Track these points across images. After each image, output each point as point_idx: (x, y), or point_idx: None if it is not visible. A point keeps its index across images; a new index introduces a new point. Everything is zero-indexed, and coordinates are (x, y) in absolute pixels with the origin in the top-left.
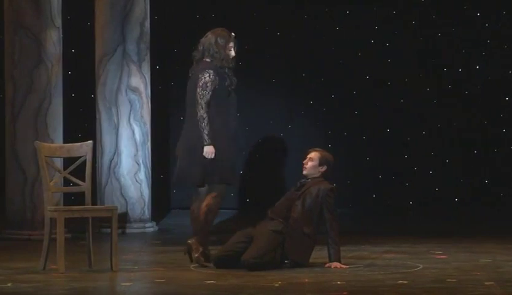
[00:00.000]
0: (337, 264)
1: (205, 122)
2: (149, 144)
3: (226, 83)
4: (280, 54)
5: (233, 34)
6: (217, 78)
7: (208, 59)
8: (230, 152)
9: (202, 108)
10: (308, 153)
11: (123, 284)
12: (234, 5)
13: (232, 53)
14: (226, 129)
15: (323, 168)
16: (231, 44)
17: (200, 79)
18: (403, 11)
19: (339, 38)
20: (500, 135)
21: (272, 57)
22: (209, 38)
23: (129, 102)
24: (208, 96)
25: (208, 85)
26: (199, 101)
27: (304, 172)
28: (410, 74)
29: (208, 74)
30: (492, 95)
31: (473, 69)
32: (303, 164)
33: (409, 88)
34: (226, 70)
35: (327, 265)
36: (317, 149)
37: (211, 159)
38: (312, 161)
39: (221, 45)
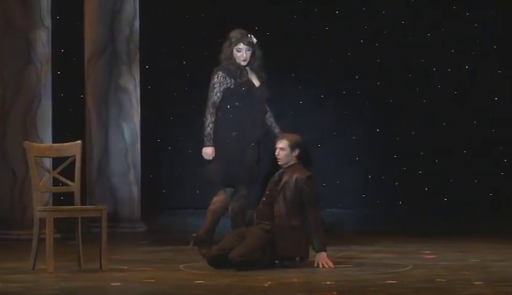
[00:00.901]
0: (324, 261)
1: (207, 123)
2: (139, 144)
3: (238, 81)
4: (274, 53)
5: (250, 35)
6: (229, 78)
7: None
8: (243, 153)
9: (208, 109)
10: (277, 145)
11: (113, 284)
12: (227, 5)
13: (242, 54)
14: (250, 130)
15: (296, 152)
16: (241, 45)
17: (211, 80)
18: (393, 11)
19: (330, 38)
20: (489, 135)
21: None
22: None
23: (119, 102)
24: (215, 98)
25: (215, 86)
26: (207, 102)
27: (280, 163)
28: (399, 74)
29: (216, 76)
30: (481, 95)
31: (462, 69)
32: (276, 156)
33: (398, 88)
34: (233, 70)
35: (315, 265)
36: (283, 135)
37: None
38: (283, 150)
39: (227, 46)
